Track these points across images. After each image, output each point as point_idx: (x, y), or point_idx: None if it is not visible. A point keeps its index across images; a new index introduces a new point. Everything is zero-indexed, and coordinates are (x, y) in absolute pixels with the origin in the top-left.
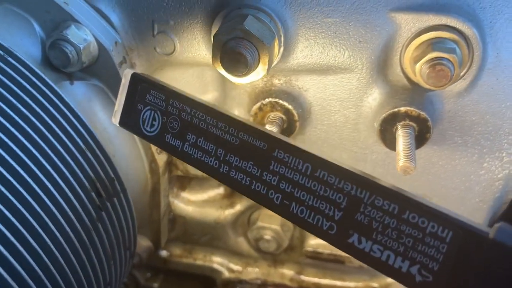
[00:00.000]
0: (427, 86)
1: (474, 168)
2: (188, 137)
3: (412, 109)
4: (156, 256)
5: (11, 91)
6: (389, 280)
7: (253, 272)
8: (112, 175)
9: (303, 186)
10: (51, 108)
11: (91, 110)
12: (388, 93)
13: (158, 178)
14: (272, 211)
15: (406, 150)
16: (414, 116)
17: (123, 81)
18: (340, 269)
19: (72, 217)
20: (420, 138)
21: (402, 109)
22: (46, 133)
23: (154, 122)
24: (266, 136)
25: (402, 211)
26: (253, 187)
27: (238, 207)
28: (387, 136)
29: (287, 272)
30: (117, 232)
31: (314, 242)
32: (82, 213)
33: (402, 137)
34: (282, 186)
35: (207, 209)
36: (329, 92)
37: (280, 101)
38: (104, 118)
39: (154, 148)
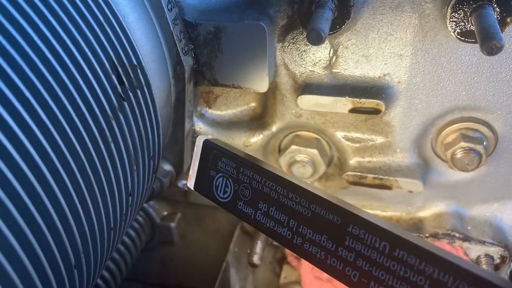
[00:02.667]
0: None
1: None
2: (260, 206)
3: None
4: (175, 187)
5: None
6: (439, 208)
7: None
8: (135, 62)
9: (382, 265)
10: None
11: None
12: None
13: (183, 85)
14: None
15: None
16: None
17: (196, 148)
18: (382, 197)
19: (90, 98)
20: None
21: None
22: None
23: (226, 189)
24: (339, 209)
25: None
26: (328, 261)
27: (270, 129)
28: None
29: None
30: (141, 132)
31: (355, 164)
32: (102, 97)
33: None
34: (359, 263)
35: (234, 131)
36: None
37: None
38: (125, 4)
39: (179, 47)
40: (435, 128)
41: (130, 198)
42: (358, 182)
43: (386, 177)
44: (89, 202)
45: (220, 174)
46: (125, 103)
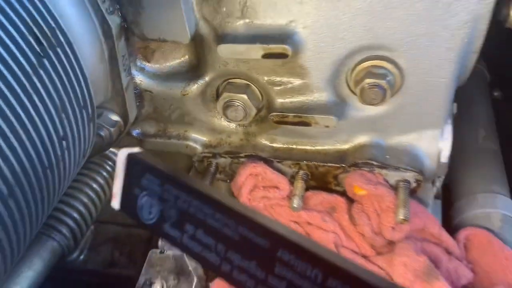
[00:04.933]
0: None
1: (440, 11)
2: (187, 228)
3: None
4: (130, 136)
5: None
6: (360, 141)
7: (226, 146)
8: (53, 25)
9: None
10: None
11: None
12: None
13: (113, 42)
14: None
15: None
16: None
17: (117, 162)
18: (309, 133)
19: (6, 56)
20: None
21: None
22: None
23: (151, 209)
24: (268, 231)
25: None
26: None
27: (204, 78)
28: None
29: (259, 142)
30: (65, 84)
31: (279, 105)
32: (19, 56)
33: None
34: None
35: (172, 82)
36: None
37: None
38: None
39: (103, 8)
40: (346, 67)
41: (64, 142)
42: (281, 121)
43: (305, 115)
44: (16, 144)
45: (145, 193)
46: (45, 60)
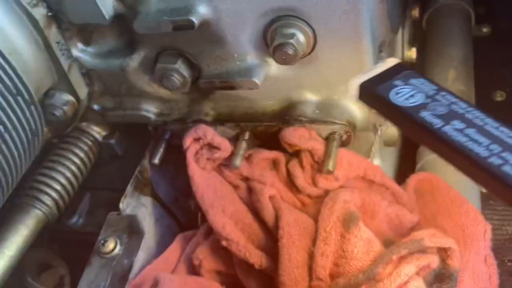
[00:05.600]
0: None
1: None
2: (454, 123)
3: None
4: (93, 111)
5: None
6: (291, 98)
7: (176, 114)
8: None
9: None
10: None
11: None
12: None
13: (42, 32)
14: None
15: None
16: None
17: (383, 63)
18: (244, 95)
19: None
20: None
21: None
22: None
23: (410, 98)
24: None
25: None
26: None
27: (139, 52)
28: None
29: (204, 107)
30: None
31: (207, 72)
32: None
33: None
34: None
35: (112, 59)
36: None
37: None
38: None
39: (25, 2)
40: (260, 30)
41: (1, 126)
42: (209, 87)
43: (229, 79)
44: None
45: (409, 87)
46: None
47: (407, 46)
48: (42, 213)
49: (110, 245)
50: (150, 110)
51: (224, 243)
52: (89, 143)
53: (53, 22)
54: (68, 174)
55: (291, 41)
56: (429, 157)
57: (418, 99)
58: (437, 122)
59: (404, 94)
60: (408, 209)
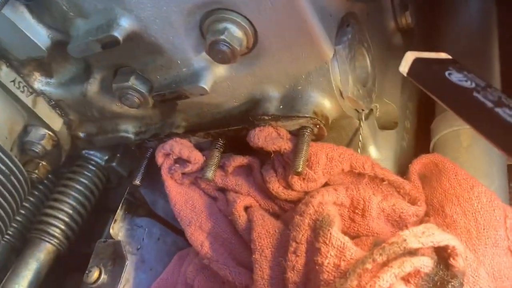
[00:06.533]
0: None
1: None
2: (504, 109)
3: None
4: (80, 139)
5: None
6: (254, 97)
7: (153, 130)
8: None
9: None
10: None
11: None
12: None
13: None
14: None
15: None
16: None
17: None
18: (207, 101)
19: None
20: None
21: None
22: None
23: (463, 82)
24: None
25: None
26: None
27: (94, 76)
28: None
29: (175, 120)
30: None
31: (158, 84)
32: None
33: None
34: None
35: (72, 86)
36: None
37: None
38: None
39: None
40: (196, 31)
41: None
42: (162, 100)
43: (177, 88)
44: None
45: (462, 74)
46: None
47: (399, 10)
48: (52, 245)
49: (94, 274)
50: (128, 130)
51: (205, 261)
52: (94, 169)
53: (2, 63)
54: (75, 203)
55: (222, 37)
56: (441, 134)
57: (471, 84)
58: (490, 104)
59: (458, 77)
60: (411, 200)
